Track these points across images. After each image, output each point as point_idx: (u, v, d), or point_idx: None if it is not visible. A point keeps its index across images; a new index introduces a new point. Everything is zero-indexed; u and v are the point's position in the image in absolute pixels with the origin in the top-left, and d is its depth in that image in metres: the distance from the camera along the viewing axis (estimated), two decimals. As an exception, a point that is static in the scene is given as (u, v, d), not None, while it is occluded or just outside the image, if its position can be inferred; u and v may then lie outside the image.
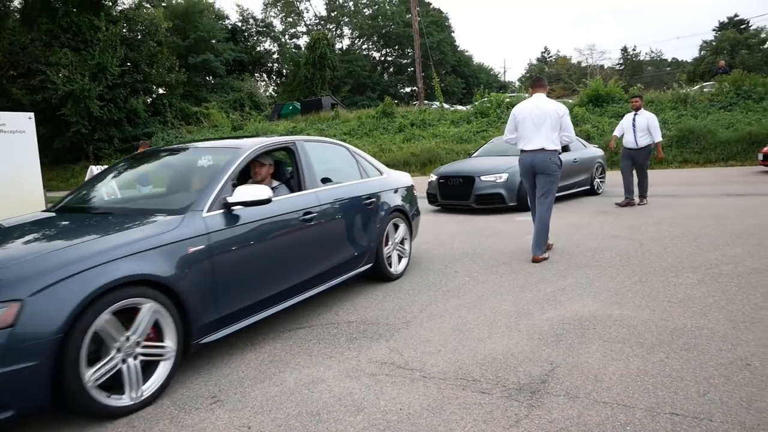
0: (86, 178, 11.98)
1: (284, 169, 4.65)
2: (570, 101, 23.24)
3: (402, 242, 5.44)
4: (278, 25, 54.84)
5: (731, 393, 2.67)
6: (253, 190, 3.54)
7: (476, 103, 24.24)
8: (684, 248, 5.76)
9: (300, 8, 55.85)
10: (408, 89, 54.03)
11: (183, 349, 3.12)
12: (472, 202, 9.13)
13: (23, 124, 10.53)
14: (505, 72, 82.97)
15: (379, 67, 57.00)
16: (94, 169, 11.67)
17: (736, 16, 53.78)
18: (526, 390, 2.84)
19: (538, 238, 5.68)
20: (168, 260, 3.04)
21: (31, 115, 10.72)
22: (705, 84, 22.17)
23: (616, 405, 2.62)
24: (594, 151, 11.35)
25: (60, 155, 29.42)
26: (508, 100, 23.50)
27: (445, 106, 26.64)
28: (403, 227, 5.42)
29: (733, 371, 2.91)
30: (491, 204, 8.99)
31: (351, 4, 56.36)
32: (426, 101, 29.96)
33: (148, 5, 33.68)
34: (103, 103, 27.51)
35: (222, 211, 3.47)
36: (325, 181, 4.65)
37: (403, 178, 5.80)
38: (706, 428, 2.38)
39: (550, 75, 62.53)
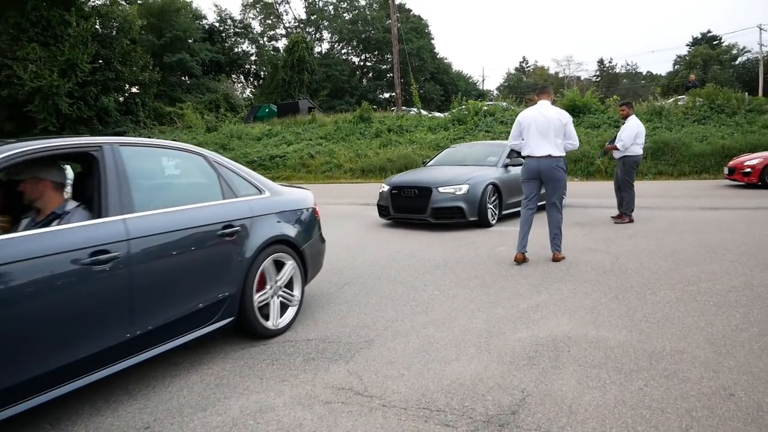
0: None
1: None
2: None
3: (290, 285, 4.08)
4: (257, 27, 54.49)
5: (716, 428, 2.45)
6: None
7: (454, 110, 24.16)
8: (661, 263, 5.59)
9: (279, 10, 55.49)
10: (387, 95, 53.94)
11: None
12: (429, 216, 8.25)
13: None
14: (483, 80, 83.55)
15: (358, 72, 56.87)
16: (55, 169, 11.12)
17: (709, 32, 55.09)
18: (494, 423, 2.58)
19: (555, 240, 5.98)
20: None
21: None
22: (680, 97, 22.44)
23: (592, 442, 2.38)
24: None
25: (26, 153, 28.52)
26: (485, 108, 23.46)
27: (423, 112, 26.54)
28: (290, 265, 4.04)
29: (717, 402, 2.69)
30: (450, 218, 8.18)
31: (331, 7, 56.19)
32: (404, 107, 29.85)
33: (122, 2, 32.98)
34: (72, 100, 26.82)
35: None
36: (153, 202, 3.25)
37: (298, 198, 4.45)
38: (690, 472, 2.14)
39: (528, 85, 63.13)
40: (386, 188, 8.89)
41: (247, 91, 51.48)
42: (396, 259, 6.28)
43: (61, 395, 2.55)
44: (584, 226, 8.16)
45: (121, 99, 31.38)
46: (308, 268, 4.29)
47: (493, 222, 8.39)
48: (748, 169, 12.39)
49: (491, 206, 8.40)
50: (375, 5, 54.67)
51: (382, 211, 9.02)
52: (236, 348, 3.68)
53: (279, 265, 3.98)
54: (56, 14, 27.42)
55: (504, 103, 24.89)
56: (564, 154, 5.90)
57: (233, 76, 49.88)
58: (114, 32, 31.10)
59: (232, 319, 3.55)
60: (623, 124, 8.49)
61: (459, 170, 8.85)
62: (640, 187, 13.54)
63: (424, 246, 7.04)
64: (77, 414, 2.82)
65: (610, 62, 70.12)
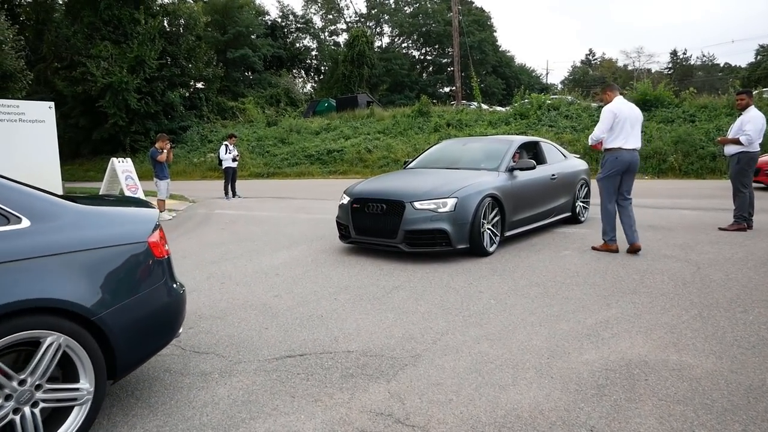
0: (107, 171, 11.73)
1: None
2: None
3: (71, 375, 2.39)
4: (318, 22, 54.78)
5: (844, 498, 1.94)
6: None
7: (516, 104, 23.35)
8: (751, 276, 4.92)
9: (340, 5, 55.63)
10: (447, 89, 53.16)
11: None
12: (400, 241, 6.00)
13: (43, 113, 10.32)
14: (547, 74, 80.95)
15: (418, 66, 56.30)
16: (116, 162, 11.37)
17: (797, 19, 50.90)
18: (557, 470, 2.17)
19: (634, 231, 6.07)
20: None
21: (51, 104, 10.51)
22: (764, 89, 20.74)
23: (681, 507, 1.93)
24: (576, 163, 8.54)
25: (99, 146, 29.83)
26: (549, 102, 22.53)
27: (484, 106, 25.81)
28: (51, 345, 2.25)
29: (841, 460, 2.16)
30: (429, 245, 5.98)
31: (392, 1, 55.85)
32: (464, 101, 29.18)
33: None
34: (140, 95, 27.74)
35: None
36: None
37: (106, 227, 2.64)
38: None
39: (594, 78, 60.71)
40: (346, 200, 6.63)
41: (308, 86, 51.99)
42: (449, 262, 5.87)
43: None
44: (658, 229, 7.47)
45: (186, 94, 32.24)
46: (118, 348, 2.47)
47: (492, 249, 6.23)
48: None
49: (490, 227, 6.25)
50: (436, -2, 53.94)
51: (342, 230, 6.76)
52: (271, 358, 3.40)
53: (35, 346, 2.25)
54: (127, 13, 28.46)
55: (569, 97, 23.81)
56: None
57: (294, 71, 50.45)
58: (180, 29, 31.99)
59: None
60: (739, 115, 7.26)
61: (445, 177, 6.66)
62: (719, 185, 12.49)
63: (480, 248, 6.59)
64: (92, 428, 2.60)
65: (684, 53, 66.37)
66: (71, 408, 2.36)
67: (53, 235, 2.38)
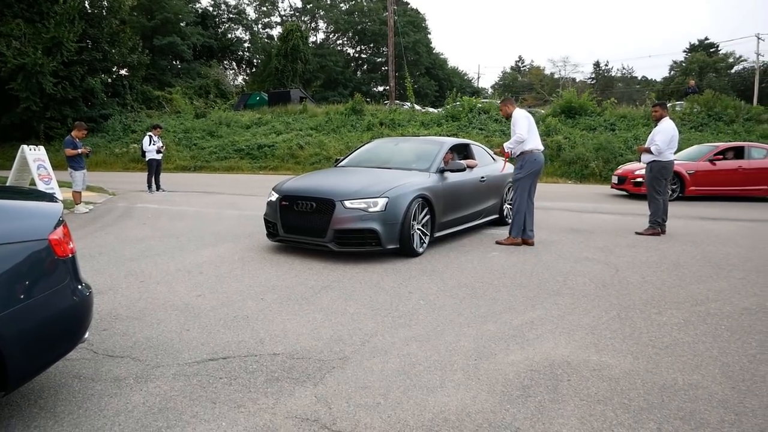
0: (16, 159, 10.90)
1: None
2: (542, 111, 22.99)
3: None
4: (251, 13, 53.60)
5: (747, 493, 2.05)
6: None
7: (448, 106, 23.75)
8: (664, 278, 5.20)
9: (275, -3, 54.64)
10: (381, 88, 53.39)
11: None
12: (330, 240, 5.88)
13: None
14: (478, 78, 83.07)
15: (352, 64, 56.21)
16: (27, 150, 10.57)
17: (706, 39, 55.01)
18: (483, 474, 2.16)
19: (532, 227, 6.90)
20: None
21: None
22: (677, 103, 22.20)
23: (601, 508, 1.96)
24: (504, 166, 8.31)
25: (8, 132, 27.73)
26: (480, 105, 23.08)
27: (417, 107, 26.11)
28: None
29: (744, 456, 2.29)
30: (359, 245, 5.91)
31: (328, -3, 55.47)
32: (398, 101, 29.39)
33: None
34: (57, 80, 26.00)
35: None
36: None
37: None
38: None
39: (523, 84, 62.86)
40: (275, 197, 6.45)
41: (239, 78, 50.74)
42: (379, 262, 5.84)
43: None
44: (580, 232, 7.77)
45: (108, 80, 30.53)
46: (10, 356, 2.21)
47: (422, 249, 6.21)
48: (640, 179, 11.60)
49: (420, 227, 6.21)
50: (372, -3, 54.03)
51: (270, 228, 6.59)
52: (192, 361, 3.23)
53: None
54: (43, -10, 26.61)
55: (498, 101, 24.52)
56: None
57: (225, 62, 49.09)
58: (103, 11, 30.27)
59: None
60: (655, 125, 7.77)
61: (376, 176, 6.57)
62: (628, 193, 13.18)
63: (411, 247, 6.61)
64: (-12, 443, 2.37)
65: (606, 65, 69.99)
66: None
67: None
